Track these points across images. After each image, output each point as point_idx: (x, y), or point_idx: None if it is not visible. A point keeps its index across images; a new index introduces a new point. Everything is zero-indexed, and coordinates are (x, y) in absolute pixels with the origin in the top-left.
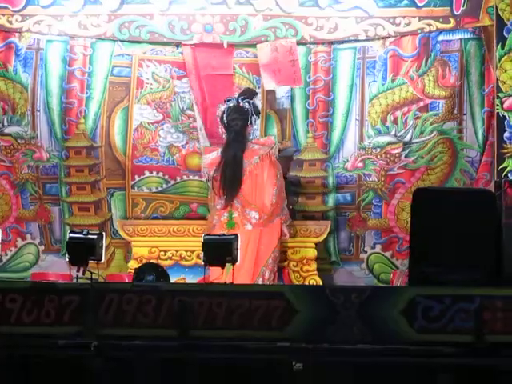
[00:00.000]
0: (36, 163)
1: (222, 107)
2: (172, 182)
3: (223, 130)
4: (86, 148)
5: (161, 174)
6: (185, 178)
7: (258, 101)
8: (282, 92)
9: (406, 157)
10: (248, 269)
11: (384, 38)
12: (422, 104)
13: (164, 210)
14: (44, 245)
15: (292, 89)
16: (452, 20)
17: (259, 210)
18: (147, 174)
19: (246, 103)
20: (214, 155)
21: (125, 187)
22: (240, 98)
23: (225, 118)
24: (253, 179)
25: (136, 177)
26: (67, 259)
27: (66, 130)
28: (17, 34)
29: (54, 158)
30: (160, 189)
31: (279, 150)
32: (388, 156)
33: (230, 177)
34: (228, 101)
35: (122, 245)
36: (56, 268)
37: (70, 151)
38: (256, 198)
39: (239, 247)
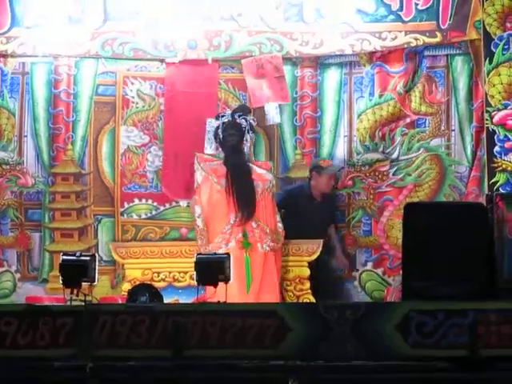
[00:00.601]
0: (20, 189)
1: (215, 122)
2: (161, 208)
3: (214, 145)
4: (73, 175)
5: (150, 201)
6: (174, 203)
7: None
8: (271, 108)
9: (393, 174)
10: (273, 288)
11: (370, 52)
12: (408, 120)
13: (154, 235)
14: (20, 272)
15: (281, 109)
16: (439, 34)
17: (272, 234)
18: (136, 201)
19: (243, 120)
20: (215, 164)
21: (113, 214)
22: (237, 115)
23: (220, 133)
24: (265, 201)
25: (125, 204)
26: (60, 281)
27: (53, 157)
28: (2, 59)
29: (39, 183)
30: (149, 215)
31: (322, 168)
32: (376, 174)
33: (244, 190)
34: (222, 116)
35: (109, 271)
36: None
37: (57, 177)
38: (268, 220)
39: (232, 266)
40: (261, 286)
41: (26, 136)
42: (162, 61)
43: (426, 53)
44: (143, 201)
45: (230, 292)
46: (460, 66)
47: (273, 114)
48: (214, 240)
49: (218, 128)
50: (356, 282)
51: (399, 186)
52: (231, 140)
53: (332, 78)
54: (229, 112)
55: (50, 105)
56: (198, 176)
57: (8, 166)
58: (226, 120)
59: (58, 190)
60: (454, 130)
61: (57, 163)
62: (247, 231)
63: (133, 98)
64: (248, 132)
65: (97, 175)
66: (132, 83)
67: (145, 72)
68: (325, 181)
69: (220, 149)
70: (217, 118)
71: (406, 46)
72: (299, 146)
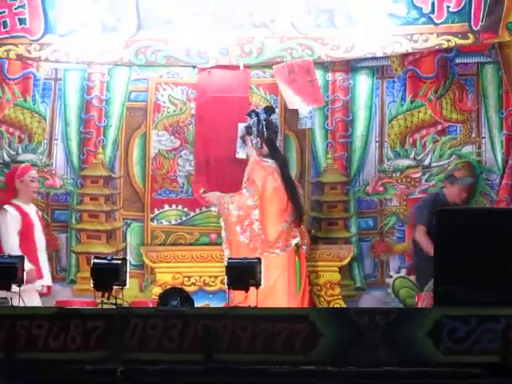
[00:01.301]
0: (47, 190)
1: (250, 121)
2: (191, 213)
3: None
4: (103, 178)
5: (180, 207)
6: (204, 209)
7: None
8: (304, 112)
9: (426, 181)
10: (307, 291)
11: (402, 55)
12: (440, 127)
13: (183, 241)
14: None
15: (313, 109)
16: (471, 36)
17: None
18: (166, 207)
19: (277, 120)
20: (269, 162)
21: (143, 219)
22: (268, 114)
23: (264, 130)
24: None
25: (155, 210)
26: (92, 284)
27: (83, 160)
28: (35, 65)
29: (67, 185)
30: (179, 221)
31: (455, 178)
32: (408, 180)
33: (295, 190)
34: (256, 114)
35: (137, 275)
36: (61, 297)
37: (86, 180)
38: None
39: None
40: (304, 290)
41: (57, 139)
42: (194, 67)
43: (457, 60)
44: (173, 207)
45: (280, 297)
46: (490, 74)
47: (306, 119)
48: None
49: (258, 125)
50: (389, 289)
51: (431, 192)
52: (274, 137)
53: (364, 82)
54: (262, 110)
55: (82, 110)
56: (257, 173)
57: (37, 168)
58: (263, 117)
59: (86, 192)
60: (484, 138)
61: (86, 166)
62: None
63: (164, 103)
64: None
65: (127, 179)
66: (164, 89)
67: (177, 78)
68: (456, 191)
69: (255, 148)
70: (254, 114)
71: (437, 47)
72: (330, 150)
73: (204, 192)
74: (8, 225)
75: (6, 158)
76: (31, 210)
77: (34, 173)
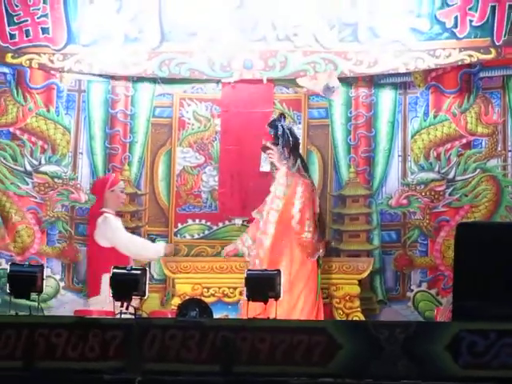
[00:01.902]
0: (72, 203)
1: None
2: (214, 227)
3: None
4: (129, 195)
5: (203, 221)
6: (227, 223)
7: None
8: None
9: (450, 194)
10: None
11: (425, 72)
12: (464, 141)
13: (205, 254)
14: (65, 282)
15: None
16: (493, 50)
17: None
18: (190, 221)
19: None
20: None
21: (167, 234)
22: (285, 121)
23: (291, 138)
24: None
25: (179, 224)
26: (111, 294)
27: None
28: (58, 75)
29: (93, 200)
30: (202, 235)
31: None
32: (432, 193)
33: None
34: (280, 119)
35: (159, 289)
36: (73, 306)
37: None
38: None
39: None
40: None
41: (82, 153)
42: (217, 82)
43: (481, 74)
44: (196, 221)
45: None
46: None
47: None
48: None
49: (283, 133)
50: (409, 303)
51: (455, 206)
52: (298, 145)
53: (386, 98)
54: (281, 118)
55: (107, 124)
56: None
57: (60, 180)
58: (285, 126)
59: None
60: (510, 151)
61: None
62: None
63: (189, 119)
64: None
65: (152, 196)
66: (188, 105)
67: (201, 94)
68: None
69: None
70: (280, 119)
71: (460, 63)
72: (353, 164)
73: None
74: (113, 224)
75: (28, 168)
76: None
77: (122, 184)
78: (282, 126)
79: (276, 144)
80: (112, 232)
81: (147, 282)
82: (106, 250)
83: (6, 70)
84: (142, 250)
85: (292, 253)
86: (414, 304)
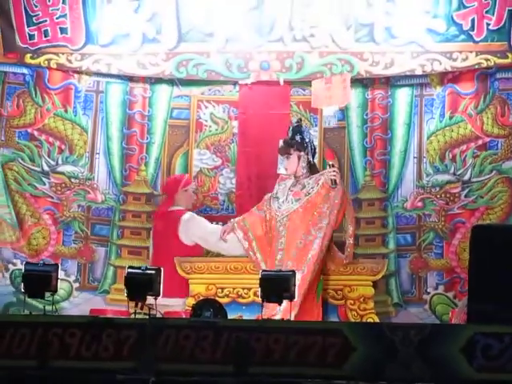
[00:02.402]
0: (88, 203)
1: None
2: None
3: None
4: (146, 195)
5: (220, 224)
6: None
7: (315, 138)
8: (329, 112)
9: (465, 196)
10: None
11: (441, 73)
12: (480, 142)
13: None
14: (79, 282)
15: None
16: (510, 55)
17: None
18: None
19: None
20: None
21: None
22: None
23: (313, 145)
24: None
25: None
26: (125, 294)
27: (125, 176)
28: (76, 76)
29: (109, 200)
30: None
31: None
32: (447, 195)
33: None
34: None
35: None
36: (90, 305)
37: (129, 196)
38: None
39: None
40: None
41: (98, 153)
42: (234, 84)
43: (499, 75)
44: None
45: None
46: None
47: (330, 118)
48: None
49: (309, 140)
50: (426, 306)
51: (471, 208)
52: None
53: (402, 99)
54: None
55: (125, 125)
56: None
57: (77, 181)
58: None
59: (128, 208)
60: None
61: (129, 182)
62: None
63: (206, 121)
64: None
65: None
66: (206, 107)
67: (218, 95)
68: None
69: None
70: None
71: (476, 66)
72: (369, 167)
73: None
74: (198, 219)
75: (46, 168)
76: None
77: (194, 185)
78: (308, 132)
79: (300, 150)
80: (201, 230)
81: (162, 282)
82: (189, 248)
83: (24, 70)
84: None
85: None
86: (431, 307)
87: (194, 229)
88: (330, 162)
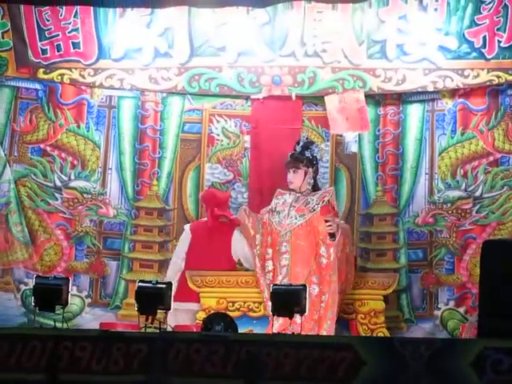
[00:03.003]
0: (100, 218)
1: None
2: None
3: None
4: (157, 210)
5: None
6: None
7: (327, 153)
8: (349, 137)
9: (476, 212)
10: None
11: (452, 89)
12: (492, 158)
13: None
14: (91, 298)
15: (361, 141)
16: None
17: None
18: None
19: None
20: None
21: None
22: None
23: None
24: None
25: None
26: (136, 308)
27: (138, 191)
28: (88, 91)
29: (121, 215)
30: None
31: None
32: (459, 211)
33: None
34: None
35: None
36: (101, 321)
37: (141, 211)
38: None
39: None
40: None
41: (111, 169)
42: (246, 98)
43: (510, 92)
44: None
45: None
46: None
47: (351, 143)
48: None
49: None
50: (437, 321)
51: (482, 223)
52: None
53: (414, 115)
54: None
55: (137, 140)
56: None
57: (89, 196)
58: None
59: (140, 223)
60: None
61: (141, 197)
62: None
63: (218, 135)
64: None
65: (181, 211)
66: (217, 121)
67: (230, 110)
68: None
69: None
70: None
71: (488, 83)
72: (380, 182)
73: None
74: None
75: (58, 183)
76: None
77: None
78: (317, 149)
79: (308, 166)
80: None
81: (172, 296)
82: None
83: (37, 86)
84: None
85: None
86: (442, 322)
87: (243, 245)
88: (327, 218)
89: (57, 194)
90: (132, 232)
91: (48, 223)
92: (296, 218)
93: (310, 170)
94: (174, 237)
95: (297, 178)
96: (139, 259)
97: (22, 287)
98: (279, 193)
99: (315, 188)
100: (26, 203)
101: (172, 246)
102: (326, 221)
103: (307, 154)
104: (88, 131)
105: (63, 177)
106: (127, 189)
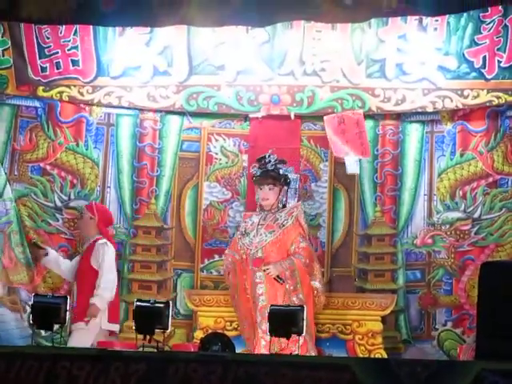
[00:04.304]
0: None
1: (294, 175)
2: None
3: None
4: (156, 228)
5: None
6: None
7: (325, 173)
8: (351, 160)
9: (475, 233)
10: None
11: (452, 110)
12: (491, 180)
13: None
14: None
15: (360, 161)
16: None
17: None
18: (216, 257)
19: None
20: None
21: (193, 269)
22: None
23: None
24: None
25: (205, 260)
26: (134, 327)
27: (136, 209)
28: (87, 109)
29: (120, 234)
30: None
31: None
32: (457, 233)
33: None
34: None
35: (186, 324)
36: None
37: (139, 230)
38: None
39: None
40: None
41: (109, 187)
42: (245, 117)
43: (509, 113)
44: (223, 257)
45: None
46: None
47: (353, 166)
48: None
49: (290, 173)
50: (434, 342)
51: (481, 245)
52: None
53: (413, 136)
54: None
55: (135, 158)
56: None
57: None
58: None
59: (138, 242)
60: None
61: (139, 216)
62: None
63: (216, 154)
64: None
65: (179, 230)
66: (216, 140)
67: (229, 128)
68: None
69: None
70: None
71: (487, 104)
72: (379, 203)
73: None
74: None
75: (58, 203)
76: None
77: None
78: (290, 168)
79: (283, 185)
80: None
81: (170, 316)
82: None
83: (37, 103)
84: None
85: None
86: (439, 343)
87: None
88: (264, 268)
89: (57, 215)
90: (131, 252)
91: (50, 245)
92: (266, 235)
93: (285, 188)
94: (173, 256)
95: (271, 195)
96: (138, 280)
97: (28, 308)
98: (246, 215)
99: (284, 206)
100: (27, 223)
101: (170, 266)
102: (264, 270)
103: (281, 171)
104: (87, 149)
105: (63, 196)
106: (125, 208)
